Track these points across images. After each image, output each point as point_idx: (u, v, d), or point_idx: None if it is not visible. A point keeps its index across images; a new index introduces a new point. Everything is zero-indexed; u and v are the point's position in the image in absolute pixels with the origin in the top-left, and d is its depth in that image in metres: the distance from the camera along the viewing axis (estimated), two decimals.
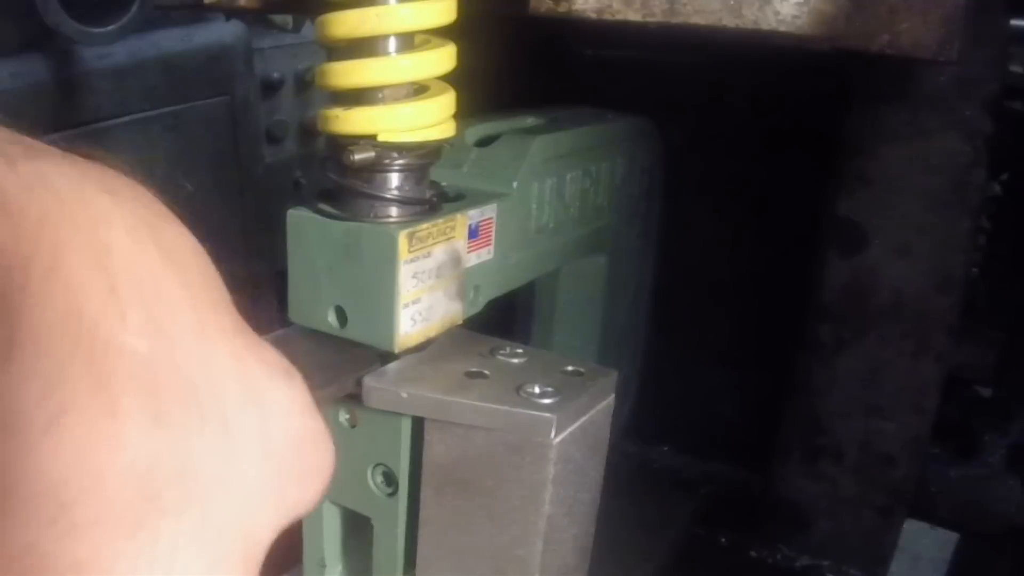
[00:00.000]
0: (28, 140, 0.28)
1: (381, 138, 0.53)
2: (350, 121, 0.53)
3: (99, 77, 0.86)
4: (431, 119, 0.54)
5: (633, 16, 0.62)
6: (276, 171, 1.12)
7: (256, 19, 1.15)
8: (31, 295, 0.25)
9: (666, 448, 1.08)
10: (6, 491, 0.24)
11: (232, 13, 0.96)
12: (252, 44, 1.09)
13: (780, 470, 0.95)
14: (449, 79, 0.56)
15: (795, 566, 0.95)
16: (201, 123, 1.01)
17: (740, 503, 1.00)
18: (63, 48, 0.87)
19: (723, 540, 0.98)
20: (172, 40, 0.96)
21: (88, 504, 0.25)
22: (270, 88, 1.19)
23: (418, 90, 0.55)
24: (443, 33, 0.55)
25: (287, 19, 1.17)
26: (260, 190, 1.04)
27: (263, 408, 0.30)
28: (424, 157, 0.56)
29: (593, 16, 0.62)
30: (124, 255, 0.27)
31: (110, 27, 0.84)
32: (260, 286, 0.57)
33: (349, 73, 0.53)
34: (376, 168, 0.54)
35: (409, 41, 0.53)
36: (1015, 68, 0.83)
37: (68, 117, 0.86)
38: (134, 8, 0.86)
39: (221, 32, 1.03)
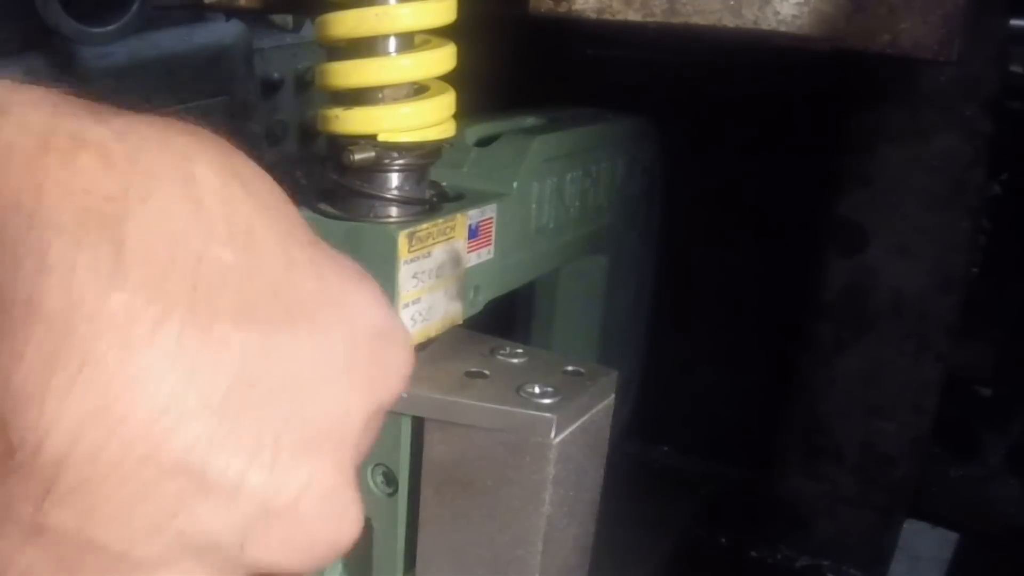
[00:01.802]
0: (112, 106, 0.31)
1: (381, 138, 0.53)
2: (350, 121, 0.53)
3: (99, 77, 0.86)
4: (431, 119, 0.54)
5: (633, 16, 0.62)
6: (276, 171, 1.12)
7: (256, 19, 1.15)
8: (130, 220, 0.27)
9: (666, 448, 1.08)
10: (114, 395, 0.26)
11: (232, 13, 0.96)
12: (252, 44, 1.09)
13: (780, 470, 0.95)
14: (449, 79, 0.56)
15: (795, 566, 0.94)
16: (201, 123, 1.01)
17: (740, 503, 1.00)
18: (63, 48, 0.87)
19: (723, 540, 0.98)
20: (172, 40, 0.96)
21: (190, 398, 0.27)
22: (270, 88, 1.19)
23: (418, 90, 0.55)
24: (443, 33, 0.55)
25: (287, 19, 1.16)
26: None
27: (344, 305, 0.33)
28: (424, 157, 0.56)
29: (593, 16, 0.62)
30: (207, 182, 0.29)
31: (110, 27, 0.84)
32: None
33: (349, 73, 0.53)
34: (376, 168, 0.54)
35: (409, 41, 0.53)
36: (1015, 68, 0.83)
37: None
38: (134, 8, 0.86)
39: (221, 32, 1.03)
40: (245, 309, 0.29)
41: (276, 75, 1.20)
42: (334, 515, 0.32)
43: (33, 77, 0.85)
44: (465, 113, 0.59)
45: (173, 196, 0.28)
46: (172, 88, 0.93)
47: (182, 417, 0.27)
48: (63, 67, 0.86)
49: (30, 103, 0.28)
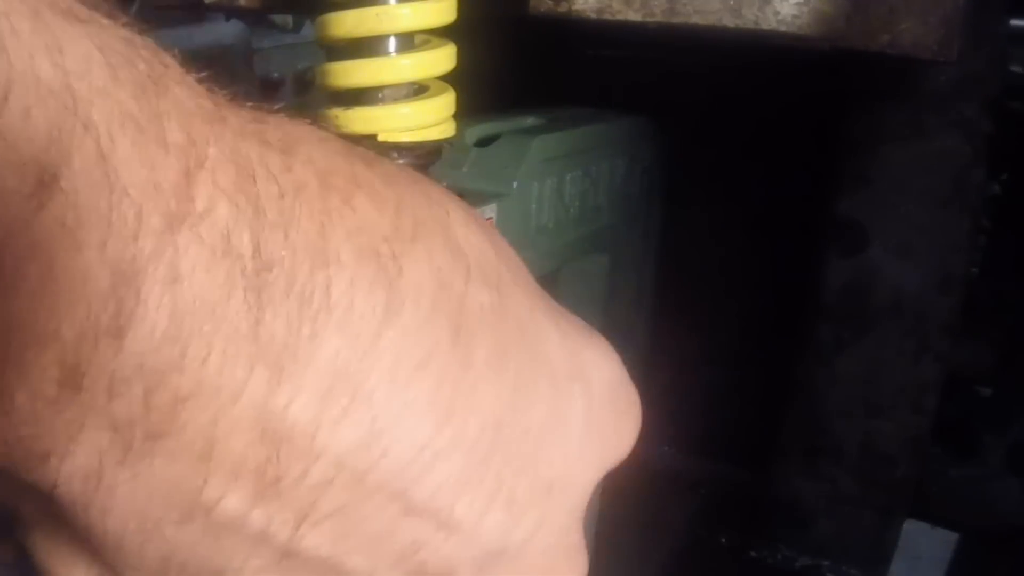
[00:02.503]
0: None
1: (381, 138, 0.53)
2: (349, 121, 0.53)
3: None
4: (431, 119, 0.54)
5: (633, 16, 0.62)
6: None
7: (256, 19, 1.15)
8: (401, 261, 0.28)
9: (666, 448, 1.08)
10: (379, 430, 0.28)
11: (232, 13, 0.96)
12: (252, 44, 1.09)
13: (780, 470, 0.95)
14: (450, 79, 0.56)
15: (795, 566, 0.94)
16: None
17: (740, 503, 1.00)
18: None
19: (723, 540, 0.98)
20: (172, 40, 0.96)
21: (445, 438, 0.29)
22: (270, 88, 1.19)
23: (418, 90, 0.55)
24: (443, 33, 0.55)
25: (287, 19, 1.16)
26: None
27: (582, 356, 0.33)
28: (424, 157, 0.56)
29: (593, 16, 0.62)
30: (460, 229, 0.31)
31: None
32: None
33: (348, 73, 0.53)
34: None
35: (409, 41, 0.53)
36: (1015, 68, 0.83)
37: None
38: (134, 8, 0.85)
39: (221, 32, 1.03)
40: (498, 352, 0.30)
41: (276, 75, 1.20)
42: (561, 558, 0.33)
43: None
44: (465, 113, 0.59)
45: (435, 240, 0.30)
46: None
47: (437, 456, 0.28)
48: None
49: (313, 142, 0.29)
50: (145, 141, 0.24)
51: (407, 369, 0.28)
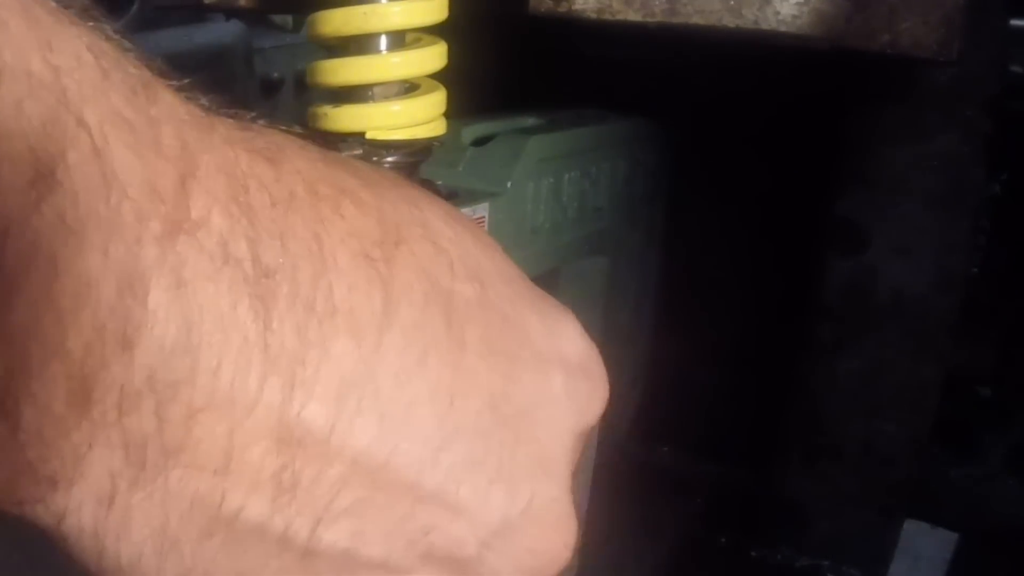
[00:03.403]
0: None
1: (370, 135, 0.53)
2: (338, 119, 0.53)
3: None
4: (421, 117, 0.54)
5: (633, 16, 0.62)
6: None
7: (256, 19, 1.15)
8: (392, 263, 0.29)
9: (666, 448, 1.08)
10: (389, 427, 0.29)
11: (232, 13, 0.96)
12: (252, 44, 1.09)
13: (780, 470, 0.95)
14: (449, 80, 0.56)
15: (795, 566, 0.94)
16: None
17: (740, 503, 1.00)
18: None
19: (723, 540, 0.97)
20: (172, 40, 0.96)
21: (450, 426, 0.30)
22: (270, 88, 1.18)
23: (408, 88, 0.55)
24: (442, 34, 0.55)
25: (287, 19, 1.16)
26: None
27: (557, 334, 0.35)
28: (414, 155, 0.55)
29: (593, 16, 0.62)
30: (438, 226, 0.32)
31: None
32: None
33: (338, 70, 0.53)
34: None
35: (399, 39, 0.53)
36: (1015, 68, 0.83)
37: None
38: (134, 8, 0.86)
39: (221, 32, 1.03)
40: (487, 339, 0.32)
41: (276, 75, 1.20)
42: (555, 524, 0.34)
43: None
44: (465, 113, 0.59)
45: (418, 240, 0.31)
46: None
47: (443, 444, 0.30)
48: None
49: (295, 150, 0.29)
50: (140, 144, 0.24)
51: (409, 365, 0.29)
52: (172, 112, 0.26)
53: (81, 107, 0.23)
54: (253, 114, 0.30)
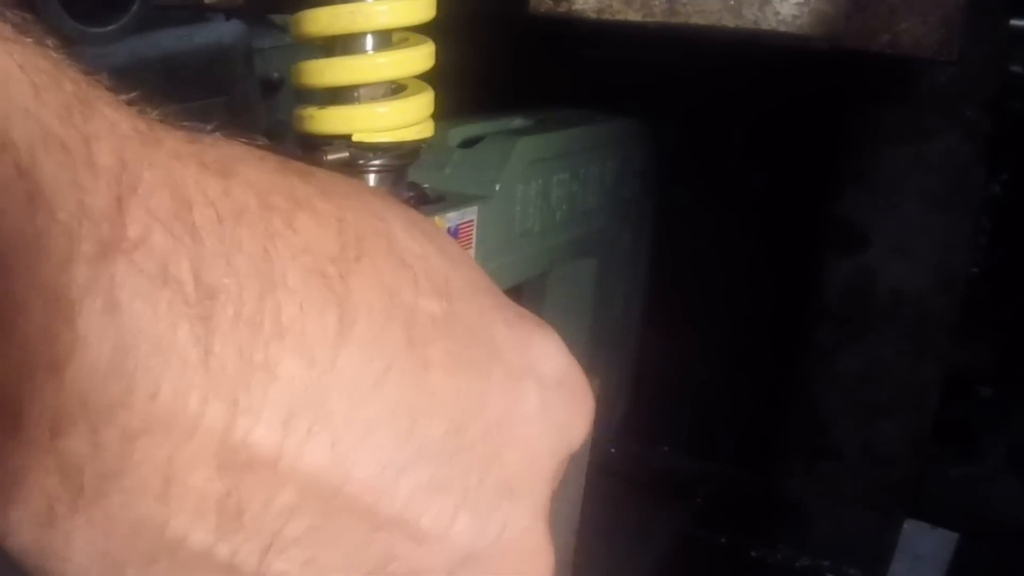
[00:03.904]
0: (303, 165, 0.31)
1: (356, 138, 0.52)
2: (323, 120, 0.52)
3: None
4: (408, 119, 0.53)
5: (633, 16, 0.62)
6: None
7: (256, 19, 1.15)
8: (349, 279, 0.28)
9: (665, 448, 1.08)
10: (342, 453, 0.27)
11: (232, 13, 0.96)
12: (252, 44, 1.08)
13: (780, 470, 0.95)
14: (448, 80, 0.56)
15: (795, 566, 0.94)
16: (201, 123, 1.01)
17: (740, 503, 1.00)
18: (63, 48, 0.87)
19: (723, 540, 0.97)
20: (172, 40, 0.96)
21: (410, 449, 0.28)
22: (270, 88, 1.18)
23: (395, 89, 0.54)
24: (441, 34, 0.55)
25: (287, 19, 1.16)
26: None
27: (531, 349, 0.33)
28: (401, 158, 0.55)
29: (593, 16, 0.62)
30: (402, 238, 0.31)
31: (110, 27, 0.84)
32: None
33: (323, 71, 0.52)
34: (351, 169, 0.53)
35: (386, 39, 0.53)
36: (1015, 68, 0.83)
37: None
38: (134, 8, 0.85)
39: (221, 32, 1.03)
40: (453, 357, 0.30)
41: (276, 75, 1.20)
42: (528, 556, 0.33)
43: None
44: (455, 113, 0.59)
45: (380, 254, 0.29)
46: (172, 88, 0.93)
47: (403, 469, 0.28)
48: None
49: (251, 162, 0.28)
50: (72, 163, 0.24)
51: (365, 387, 0.28)
52: (112, 128, 0.25)
53: (7, 127, 0.22)
54: (211, 127, 0.29)
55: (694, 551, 0.96)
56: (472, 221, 0.61)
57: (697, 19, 0.61)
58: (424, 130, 0.55)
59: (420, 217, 0.33)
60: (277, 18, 1.18)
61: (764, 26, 0.59)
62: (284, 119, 1.25)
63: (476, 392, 0.31)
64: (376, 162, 0.54)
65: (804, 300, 0.89)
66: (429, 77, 0.55)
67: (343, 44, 0.52)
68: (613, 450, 1.02)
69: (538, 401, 0.33)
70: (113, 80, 0.27)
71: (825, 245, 0.87)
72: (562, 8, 0.63)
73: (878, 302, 0.86)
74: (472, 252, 0.62)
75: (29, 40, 0.24)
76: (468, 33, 0.57)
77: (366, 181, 0.54)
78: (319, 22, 0.51)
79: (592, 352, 0.88)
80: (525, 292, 0.86)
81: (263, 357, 0.26)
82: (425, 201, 0.59)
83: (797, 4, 0.58)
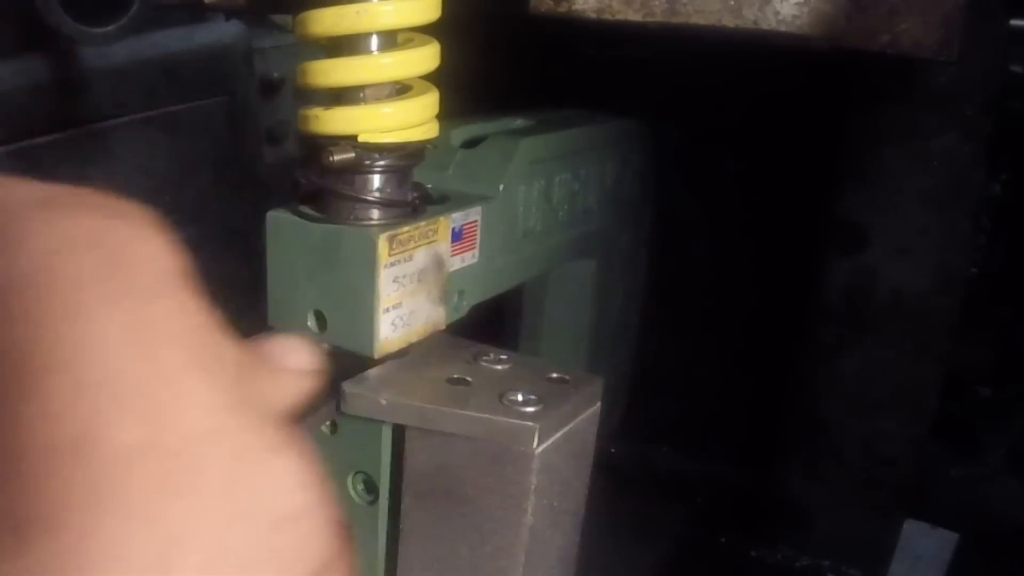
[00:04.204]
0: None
1: (362, 138, 0.52)
2: (329, 121, 0.52)
3: (99, 77, 0.86)
4: (413, 119, 0.53)
5: (633, 16, 0.62)
6: (276, 171, 1.12)
7: (256, 19, 1.15)
8: (31, 396, 0.25)
9: (665, 448, 1.08)
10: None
11: (232, 13, 0.96)
12: (252, 44, 1.08)
13: (780, 470, 0.95)
14: (449, 80, 0.55)
15: (795, 566, 0.94)
16: (201, 123, 1.01)
17: (740, 503, 1.00)
18: (63, 48, 0.87)
19: (723, 540, 0.97)
20: (172, 40, 0.96)
21: None
22: (270, 88, 1.18)
23: (400, 90, 0.54)
24: (443, 34, 0.54)
25: (287, 19, 1.16)
26: (261, 190, 1.04)
27: (253, 484, 0.29)
28: (406, 158, 0.55)
29: (593, 16, 0.62)
30: (107, 349, 0.27)
31: (110, 27, 0.84)
32: (259, 287, 0.57)
33: (328, 72, 0.52)
34: (356, 169, 0.53)
35: (391, 39, 0.53)
36: (1015, 68, 0.83)
37: (68, 117, 0.86)
38: (134, 8, 0.85)
39: (221, 32, 1.03)
40: (146, 497, 0.26)
41: (276, 75, 1.20)
42: None
43: (33, 77, 0.85)
44: (462, 113, 0.59)
45: (73, 370, 0.26)
46: (172, 88, 0.93)
47: None
48: (63, 67, 0.86)
49: None
50: None
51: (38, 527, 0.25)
52: None
53: None
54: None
55: (694, 551, 0.96)
56: (476, 221, 0.61)
57: (697, 19, 0.61)
58: (429, 130, 0.55)
59: (157, 294, 0.28)
60: (277, 18, 1.18)
61: (764, 26, 0.59)
62: (284, 119, 1.25)
63: (174, 528, 0.26)
64: (382, 162, 0.54)
65: (804, 300, 0.89)
66: (433, 77, 0.55)
67: (348, 44, 0.52)
68: (613, 450, 1.02)
69: (249, 544, 0.28)
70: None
71: (825, 245, 0.87)
72: (562, 8, 0.63)
73: (878, 302, 0.85)
74: (476, 252, 0.62)
75: None
76: (468, 33, 0.57)
77: (370, 182, 0.54)
78: (324, 22, 0.51)
79: (592, 352, 0.88)
80: (525, 293, 0.86)
81: None
82: (429, 201, 0.59)
83: (797, 4, 0.58)
